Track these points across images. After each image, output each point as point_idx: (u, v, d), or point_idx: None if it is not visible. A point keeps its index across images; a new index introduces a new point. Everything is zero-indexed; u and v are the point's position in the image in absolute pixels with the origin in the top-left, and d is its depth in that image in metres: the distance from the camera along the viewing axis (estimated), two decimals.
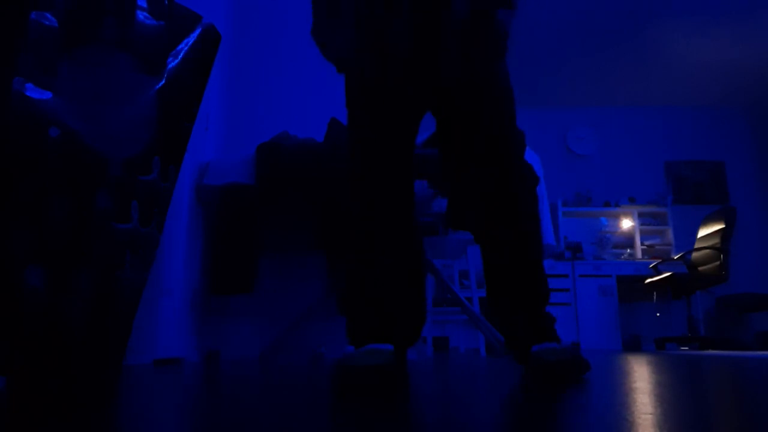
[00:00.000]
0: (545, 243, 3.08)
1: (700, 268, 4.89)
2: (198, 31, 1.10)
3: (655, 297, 5.96)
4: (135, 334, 1.03)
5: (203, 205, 2.83)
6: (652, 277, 5.19)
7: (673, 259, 5.47)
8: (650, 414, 0.64)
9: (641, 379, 1.23)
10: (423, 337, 3.63)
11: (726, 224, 4.73)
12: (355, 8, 1.29)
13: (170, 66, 1.02)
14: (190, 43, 1.08)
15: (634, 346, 5.66)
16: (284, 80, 3.58)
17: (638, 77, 6.32)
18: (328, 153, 2.72)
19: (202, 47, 1.10)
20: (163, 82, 1.00)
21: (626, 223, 6.62)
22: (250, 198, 2.74)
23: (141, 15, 0.99)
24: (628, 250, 6.53)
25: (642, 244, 6.51)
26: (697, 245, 5.05)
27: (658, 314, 6.18)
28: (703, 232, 5.04)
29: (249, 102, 3.53)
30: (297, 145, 2.81)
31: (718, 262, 4.64)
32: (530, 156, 2.96)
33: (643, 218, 6.60)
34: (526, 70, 6.08)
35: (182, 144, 1.07)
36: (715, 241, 4.76)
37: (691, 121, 6.95)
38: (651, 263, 5.56)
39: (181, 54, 1.05)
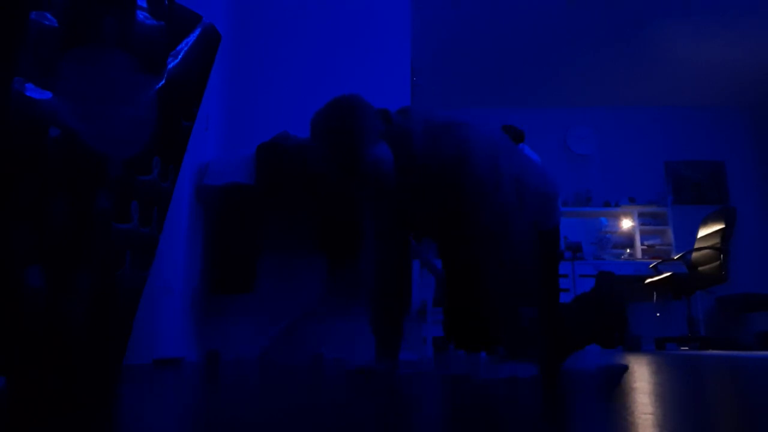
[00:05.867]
0: None
1: (700, 268, 4.89)
2: (198, 31, 1.10)
3: (655, 297, 5.96)
4: (135, 334, 1.03)
5: (203, 205, 2.83)
6: (652, 277, 5.19)
7: (673, 259, 5.47)
8: (650, 414, 0.64)
9: (641, 379, 1.23)
10: (423, 337, 3.64)
11: (726, 224, 4.73)
12: None
13: (170, 66, 1.02)
14: (190, 43, 1.07)
15: (634, 346, 5.65)
16: (284, 80, 3.58)
17: (638, 77, 6.32)
18: None
19: (202, 47, 1.10)
20: (163, 82, 1.00)
21: (626, 223, 6.61)
22: (250, 198, 2.74)
23: (141, 15, 0.99)
24: (628, 250, 6.53)
25: (642, 244, 6.50)
26: (697, 245, 5.05)
27: (658, 314, 6.17)
28: (703, 232, 5.04)
29: (249, 102, 3.53)
30: (297, 145, 2.81)
31: (718, 262, 4.64)
32: (530, 155, 2.95)
33: (643, 218, 6.60)
34: (526, 69, 6.08)
35: (182, 144, 1.07)
36: (715, 241, 4.75)
37: (691, 121, 6.95)
38: (651, 263, 5.56)
39: (181, 54, 1.05)
